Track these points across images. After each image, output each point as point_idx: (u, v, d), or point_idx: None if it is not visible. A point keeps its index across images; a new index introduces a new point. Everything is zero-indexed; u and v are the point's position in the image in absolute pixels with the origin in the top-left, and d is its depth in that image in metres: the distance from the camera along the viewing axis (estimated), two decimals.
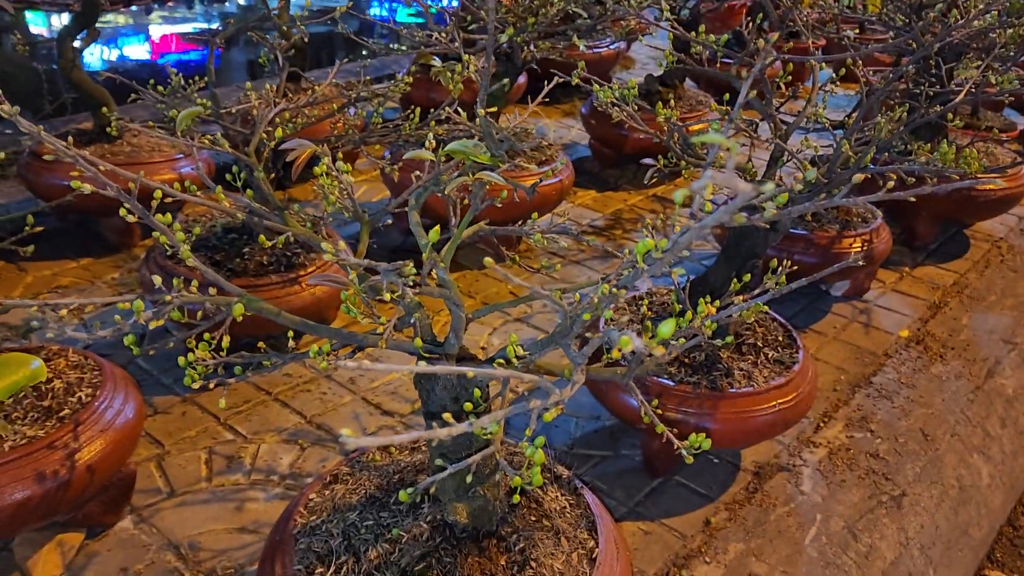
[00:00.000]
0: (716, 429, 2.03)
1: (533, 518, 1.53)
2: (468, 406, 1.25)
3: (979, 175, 3.43)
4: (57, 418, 1.76)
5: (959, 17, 2.19)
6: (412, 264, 1.19)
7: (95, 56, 6.95)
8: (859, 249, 2.92)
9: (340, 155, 3.17)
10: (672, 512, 2.10)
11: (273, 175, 2.35)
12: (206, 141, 1.96)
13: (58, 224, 3.33)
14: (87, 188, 1.10)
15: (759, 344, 2.19)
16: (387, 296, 1.11)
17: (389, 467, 1.62)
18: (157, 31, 8.22)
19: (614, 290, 0.97)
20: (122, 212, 1.15)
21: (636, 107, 2.06)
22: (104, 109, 3.08)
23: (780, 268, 1.60)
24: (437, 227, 1.20)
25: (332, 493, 1.57)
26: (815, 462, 2.30)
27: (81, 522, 1.90)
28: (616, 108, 2.03)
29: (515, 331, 2.87)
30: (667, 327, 0.70)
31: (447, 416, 0.76)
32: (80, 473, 1.72)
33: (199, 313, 1.28)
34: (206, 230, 2.61)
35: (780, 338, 2.25)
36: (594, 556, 1.47)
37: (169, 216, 1.21)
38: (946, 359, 2.85)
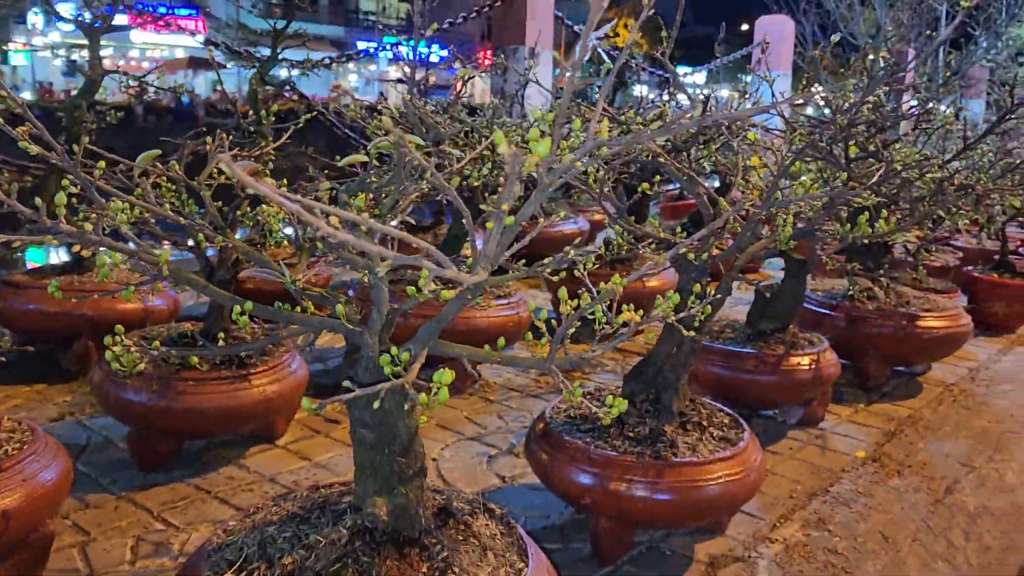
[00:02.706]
0: (662, 500, 1.99)
1: (460, 537, 1.47)
2: (385, 360, 1.24)
3: (921, 313, 3.58)
4: None
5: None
6: None
7: None
8: (807, 367, 2.97)
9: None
10: None
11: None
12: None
13: (17, 355, 3.33)
14: None
15: (704, 423, 2.19)
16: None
17: (315, 495, 1.57)
18: None
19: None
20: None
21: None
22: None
23: (706, 296, 1.66)
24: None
25: (252, 520, 1.51)
26: (771, 555, 2.22)
27: None
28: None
29: (468, 448, 2.83)
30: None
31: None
32: None
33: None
34: (163, 340, 2.66)
35: (726, 421, 2.25)
36: None
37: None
38: (904, 475, 2.82)
